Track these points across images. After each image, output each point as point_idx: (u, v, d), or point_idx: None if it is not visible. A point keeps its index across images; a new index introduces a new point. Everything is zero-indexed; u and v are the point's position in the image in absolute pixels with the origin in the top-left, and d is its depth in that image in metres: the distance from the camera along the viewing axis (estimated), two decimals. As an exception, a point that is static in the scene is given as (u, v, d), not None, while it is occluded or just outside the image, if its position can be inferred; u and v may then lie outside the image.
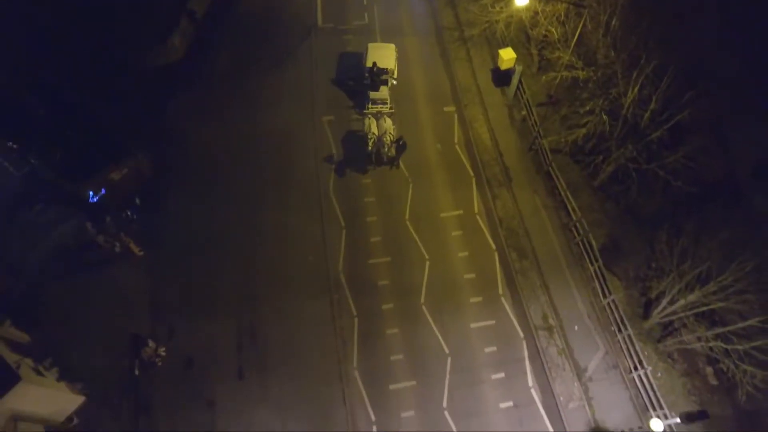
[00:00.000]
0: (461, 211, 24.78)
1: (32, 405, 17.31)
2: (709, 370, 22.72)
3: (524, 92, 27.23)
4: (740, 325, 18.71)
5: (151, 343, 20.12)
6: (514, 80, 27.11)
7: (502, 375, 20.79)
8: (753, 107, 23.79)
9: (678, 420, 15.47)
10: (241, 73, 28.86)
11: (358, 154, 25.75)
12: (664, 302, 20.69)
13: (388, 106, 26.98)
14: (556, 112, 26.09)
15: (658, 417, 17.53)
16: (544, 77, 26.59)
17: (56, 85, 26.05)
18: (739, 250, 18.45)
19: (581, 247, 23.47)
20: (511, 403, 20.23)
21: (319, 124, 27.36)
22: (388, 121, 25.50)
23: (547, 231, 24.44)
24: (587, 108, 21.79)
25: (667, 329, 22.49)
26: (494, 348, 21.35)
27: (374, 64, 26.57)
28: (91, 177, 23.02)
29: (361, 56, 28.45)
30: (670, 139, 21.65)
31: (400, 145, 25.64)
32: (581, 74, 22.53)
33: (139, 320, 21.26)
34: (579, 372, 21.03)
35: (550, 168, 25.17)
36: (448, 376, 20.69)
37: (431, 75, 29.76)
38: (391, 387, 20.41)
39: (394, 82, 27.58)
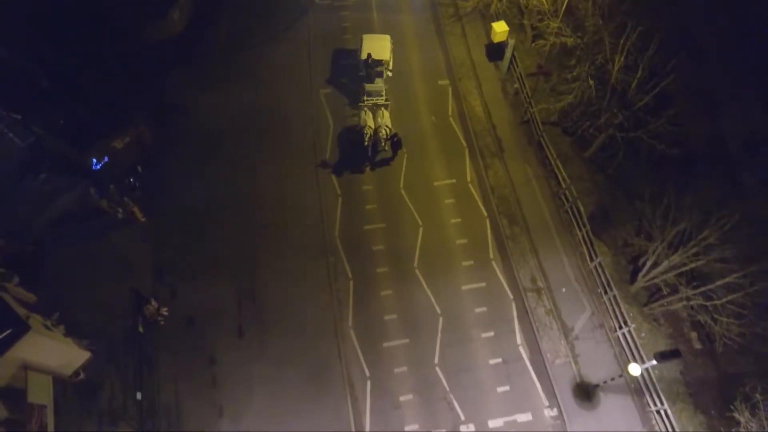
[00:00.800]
0: (454, 180, 25.48)
1: (41, 356, 18.15)
2: (693, 335, 23.51)
3: (517, 65, 27.80)
4: (719, 282, 19.42)
5: (153, 302, 20.90)
6: (507, 53, 27.67)
7: (491, 334, 21.62)
8: (741, 75, 24.37)
9: (654, 362, 16.18)
10: (240, 48, 29.44)
11: (354, 125, 26.34)
12: (648, 264, 21.44)
13: (384, 98, 26.56)
14: (546, 82, 26.69)
15: (636, 362, 18.31)
16: (533, 44, 27.15)
17: (60, 58, 26.63)
18: (719, 210, 19.13)
19: (570, 213, 24.19)
20: (500, 360, 21.07)
21: (316, 96, 27.98)
22: (386, 114, 25.38)
23: (537, 199, 25.15)
24: (574, 74, 22.39)
25: (653, 295, 23.22)
26: (484, 308, 22.16)
27: (369, 55, 26.35)
28: (94, 145, 23.73)
29: (354, 53, 27.98)
30: (657, 107, 22.22)
31: (395, 141, 25.15)
32: (569, 41, 23.11)
33: (142, 283, 22.00)
34: (566, 331, 21.86)
35: (541, 138, 25.82)
36: (439, 334, 21.53)
37: (426, 50, 30.30)
38: (385, 345, 21.25)
39: (390, 74, 27.33)
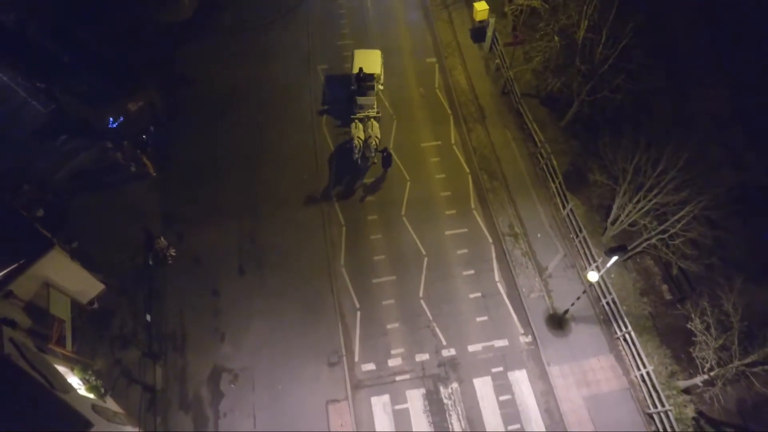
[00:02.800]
0: (439, 142, 27.72)
1: (62, 277, 20.11)
2: (664, 287, 25.27)
3: (498, 43, 30.33)
4: (676, 217, 21.23)
5: (162, 239, 22.92)
6: (489, 32, 30.23)
7: (471, 272, 23.51)
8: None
9: (610, 260, 17.77)
10: (244, 29, 32.16)
11: (348, 95, 28.71)
12: (615, 208, 23.39)
13: (375, 110, 27.48)
14: (522, 50, 29.20)
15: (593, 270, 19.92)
16: (507, 8, 29.55)
17: (81, 36, 29.31)
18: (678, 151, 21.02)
19: (545, 170, 26.31)
20: (479, 294, 22.92)
21: (313, 70, 30.50)
22: (375, 125, 26.07)
23: (515, 158, 27.33)
24: (541, 33, 24.84)
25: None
26: (466, 250, 24.10)
27: (360, 69, 26.99)
28: (110, 106, 26.12)
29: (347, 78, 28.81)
30: (621, 68, 24.51)
31: (385, 156, 25.35)
32: (536, 3, 25.64)
33: (153, 228, 24.03)
34: (540, 270, 23.74)
35: (519, 105, 28.15)
36: (424, 272, 23.43)
37: (415, 33, 32.96)
38: (374, 281, 23.14)
39: (381, 87, 28.22)
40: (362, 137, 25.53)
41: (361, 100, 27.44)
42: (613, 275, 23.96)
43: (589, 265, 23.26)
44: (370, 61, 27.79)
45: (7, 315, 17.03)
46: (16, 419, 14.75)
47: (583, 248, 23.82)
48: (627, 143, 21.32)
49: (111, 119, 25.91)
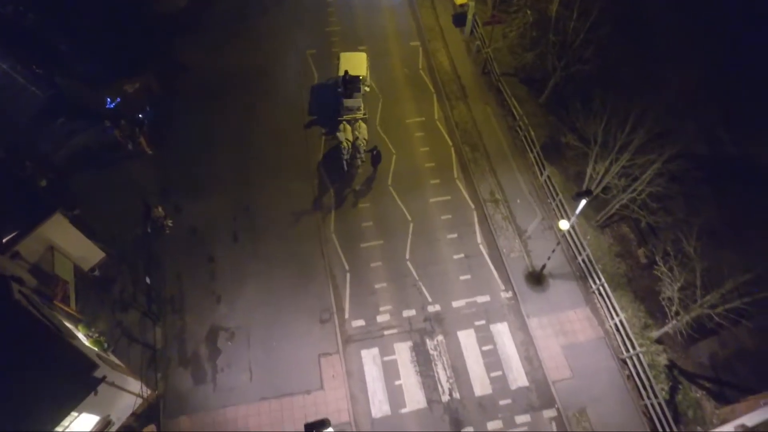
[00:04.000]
0: (423, 118, 29.09)
1: (65, 242, 21.21)
2: (640, 251, 26.61)
3: (478, 25, 31.81)
4: (644, 176, 22.56)
5: (160, 208, 24.03)
6: (469, 15, 31.72)
7: (455, 235, 24.78)
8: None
9: (576, 211, 19.08)
10: (236, 18, 33.50)
11: (335, 78, 29.98)
12: (589, 171, 24.68)
13: (362, 112, 27.89)
14: (500, 30, 30.71)
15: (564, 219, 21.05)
16: None
17: (79, 26, 30.39)
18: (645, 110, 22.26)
19: (524, 141, 27.71)
20: (462, 255, 24.18)
21: (303, 55, 31.84)
22: (363, 126, 26.41)
23: (496, 132, 28.71)
24: (515, 8, 26.35)
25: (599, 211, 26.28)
26: (449, 216, 25.38)
27: (346, 72, 27.14)
28: (108, 87, 27.28)
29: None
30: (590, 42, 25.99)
31: (375, 155, 25.69)
32: None
33: (151, 201, 25.13)
34: (520, 232, 25.04)
35: (498, 81, 29.60)
36: (410, 236, 24.68)
37: (400, 18, 34.42)
38: (362, 245, 24.35)
39: (367, 89, 28.46)
40: (350, 139, 25.82)
41: (347, 102, 27.62)
42: (589, 237, 25.29)
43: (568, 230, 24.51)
44: (355, 63, 28.03)
45: (15, 274, 18.12)
46: (26, 361, 15.80)
47: (559, 211, 25.17)
48: (597, 108, 22.63)
49: (109, 99, 27.07)
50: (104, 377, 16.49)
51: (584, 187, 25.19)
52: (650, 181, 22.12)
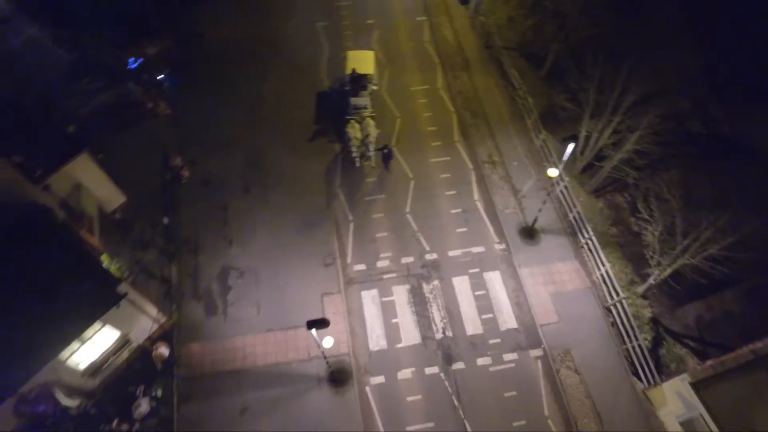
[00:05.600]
0: (427, 86, 30.58)
1: (91, 181, 22.86)
2: (632, 220, 27.87)
3: (481, 1, 33.25)
4: (635, 134, 23.68)
5: (178, 158, 25.67)
6: (474, -8, 33.20)
7: (453, 192, 26.24)
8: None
9: (564, 158, 20.51)
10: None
11: (344, 46, 31.57)
12: (582, 132, 25.91)
13: (370, 110, 27.64)
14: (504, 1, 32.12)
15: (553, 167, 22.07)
16: None
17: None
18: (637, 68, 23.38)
19: (522, 108, 29.10)
20: (459, 210, 25.64)
21: (314, 27, 33.43)
22: (371, 124, 26.13)
23: (496, 100, 30.15)
24: None
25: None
26: (448, 175, 26.85)
27: (353, 70, 27.16)
28: (131, 49, 28.99)
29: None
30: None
31: (386, 153, 26.04)
32: None
33: (169, 153, 26.78)
34: (515, 191, 26.45)
35: (499, 53, 30.99)
36: (411, 192, 26.16)
37: (406, -3, 36.00)
38: (366, 198, 25.87)
39: (375, 88, 28.48)
40: (359, 137, 25.68)
41: (354, 100, 27.40)
42: (582, 199, 26.62)
43: (558, 184, 25.89)
44: (363, 61, 27.96)
45: (46, 204, 19.83)
46: (61, 275, 17.49)
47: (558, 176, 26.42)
48: (590, 69, 23.91)
49: (131, 60, 28.76)
50: (126, 293, 18.16)
51: (578, 150, 26.53)
52: (639, 141, 23.39)
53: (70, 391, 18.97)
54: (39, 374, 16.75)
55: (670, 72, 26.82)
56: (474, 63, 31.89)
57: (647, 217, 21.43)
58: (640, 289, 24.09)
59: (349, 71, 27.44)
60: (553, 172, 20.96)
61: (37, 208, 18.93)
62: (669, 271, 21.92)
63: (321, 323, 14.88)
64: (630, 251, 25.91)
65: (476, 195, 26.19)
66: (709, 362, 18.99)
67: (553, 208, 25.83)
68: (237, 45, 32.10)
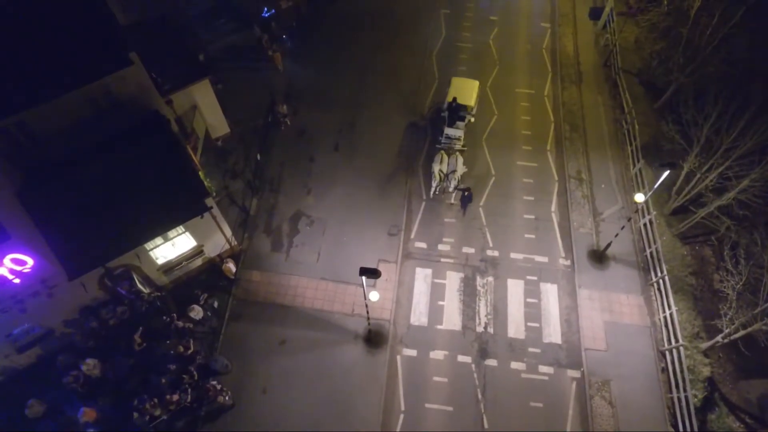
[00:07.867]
0: (533, 91, 30.29)
1: (206, 107, 25.36)
2: (716, 276, 26.08)
3: (612, 20, 32.12)
4: (740, 185, 22.09)
5: (283, 106, 27.66)
6: (607, 7, 32.14)
7: (531, 198, 26.02)
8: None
9: (656, 185, 19.57)
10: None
11: (463, 36, 32.01)
12: (684, 172, 24.43)
13: (462, 144, 26.54)
14: (633, 25, 30.86)
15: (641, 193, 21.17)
16: None
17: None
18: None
19: (626, 134, 28.01)
20: (533, 217, 25.41)
21: (437, 13, 34.16)
22: (461, 160, 25.39)
23: (600, 119, 29.25)
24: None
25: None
26: (531, 180, 26.62)
27: (454, 99, 26.34)
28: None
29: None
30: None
31: (465, 195, 25.49)
32: None
33: (277, 99, 28.85)
34: (595, 213, 25.71)
35: (617, 74, 29.95)
36: (489, 188, 26.30)
37: (536, 1, 35.48)
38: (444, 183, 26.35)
39: (472, 120, 27.52)
40: (444, 171, 24.96)
41: (448, 130, 26.32)
42: (665, 238, 25.32)
43: (643, 216, 24.79)
44: (466, 90, 27.04)
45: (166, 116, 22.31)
46: (166, 177, 19.75)
47: (645, 207, 25.31)
48: (710, 106, 22.54)
49: (265, 8, 31.19)
50: (212, 208, 20.16)
51: (675, 189, 25.21)
52: (746, 189, 21.83)
53: (146, 281, 21.48)
54: (127, 255, 19.20)
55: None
56: (587, 78, 31.06)
57: (730, 268, 20.07)
58: (705, 344, 22.69)
59: (449, 99, 26.53)
60: (639, 197, 20.23)
61: (158, 116, 21.36)
62: (742, 332, 20.48)
63: (373, 273, 15.74)
64: (704, 307, 24.39)
65: (554, 207, 25.78)
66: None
67: (631, 240, 24.83)
68: (362, 14, 33.58)
